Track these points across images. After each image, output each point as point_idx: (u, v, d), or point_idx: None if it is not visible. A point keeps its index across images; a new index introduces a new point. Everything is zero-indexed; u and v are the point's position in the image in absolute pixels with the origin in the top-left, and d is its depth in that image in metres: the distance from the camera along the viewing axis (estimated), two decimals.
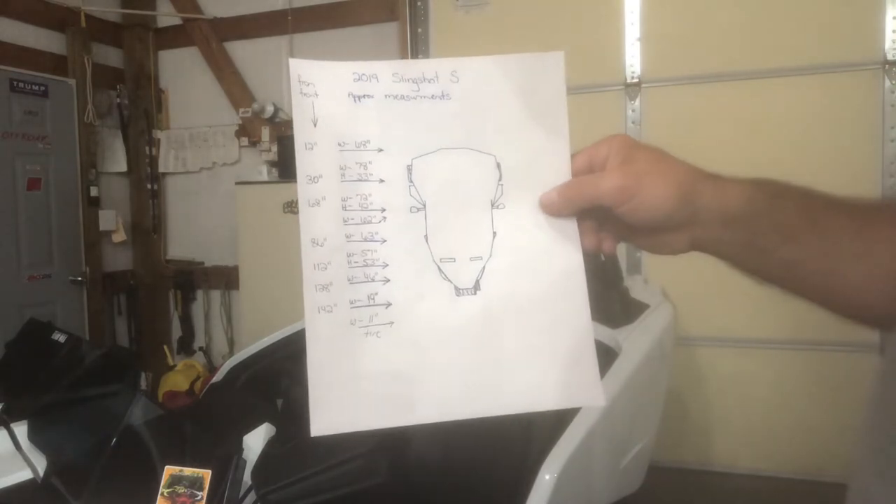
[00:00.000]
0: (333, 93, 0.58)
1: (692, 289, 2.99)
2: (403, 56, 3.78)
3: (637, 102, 3.43)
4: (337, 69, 0.58)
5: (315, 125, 0.57)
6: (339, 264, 0.56)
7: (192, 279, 4.58)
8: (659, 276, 2.89)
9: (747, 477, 3.30)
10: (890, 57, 3.05)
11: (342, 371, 0.55)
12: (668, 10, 3.36)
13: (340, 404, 0.54)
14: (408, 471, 1.24)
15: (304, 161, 0.56)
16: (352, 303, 0.56)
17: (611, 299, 2.02)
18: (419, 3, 3.78)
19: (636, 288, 2.38)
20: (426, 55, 3.77)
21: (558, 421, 1.32)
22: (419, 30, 3.78)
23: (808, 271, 0.55)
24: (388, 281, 0.57)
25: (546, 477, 1.16)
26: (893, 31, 3.04)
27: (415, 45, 3.79)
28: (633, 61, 3.42)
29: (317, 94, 0.57)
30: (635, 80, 3.42)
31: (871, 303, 0.52)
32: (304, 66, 0.58)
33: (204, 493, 1.04)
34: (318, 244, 0.55)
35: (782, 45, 3.17)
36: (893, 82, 3.05)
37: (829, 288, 0.55)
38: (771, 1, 3.19)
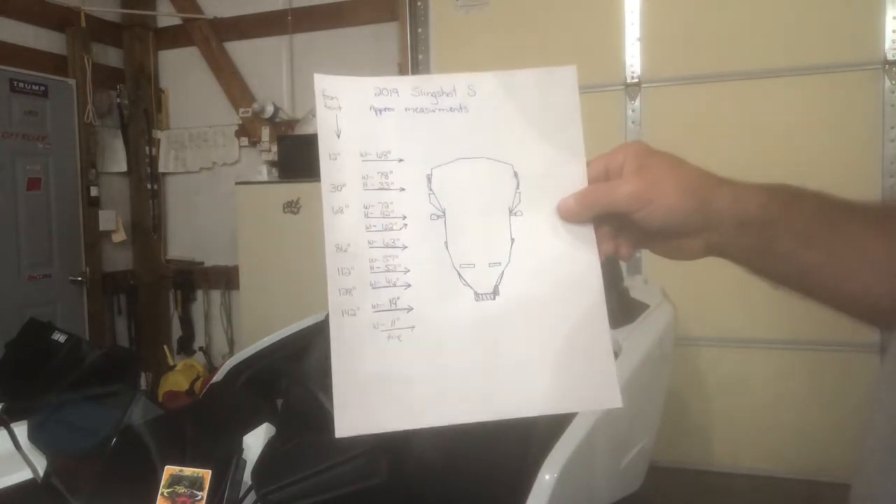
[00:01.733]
0: (356, 106, 0.60)
1: (692, 289, 2.99)
2: (403, 56, 3.79)
3: (637, 102, 3.43)
4: (359, 83, 0.60)
5: (338, 136, 0.59)
6: (362, 269, 0.57)
7: (192, 279, 4.58)
8: (659, 276, 2.89)
9: (747, 477, 3.30)
10: (890, 57, 3.05)
11: (365, 373, 0.56)
12: (668, 10, 3.36)
13: (364, 406, 0.56)
14: (408, 471, 1.24)
15: (329, 170, 0.58)
16: (374, 307, 0.57)
17: (611, 299, 2.02)
18: (419, 3, 3.78)
19: (636, 288, 2.38)
20: (426, 55, 3.77)
21: (558, 421, 1.32)
22: (419, 30, 3.78)
23: (823, 275, 0.55)
24: (410, 286, 0.58)
25: (546, 477, 1.16)
26: (893, 31, 3.04)
27: (415, 45, 3.79)
28: (633, 61, 3.42)
29: (340, 108, 0.60)
30: (635, 80, 3.42)
31: (885, 306, 0.53)
32: (328, 81, 0.60)
33: (204, 493, 1.04)
34: (341, 249, 0.57)
35: (782, 45, 3.17)
36: (893, 82, 3.05)
37: (844, 291, 0.55)
38: (771, 1, 3.20)
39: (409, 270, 0.58)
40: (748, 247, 0.56)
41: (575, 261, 0.60)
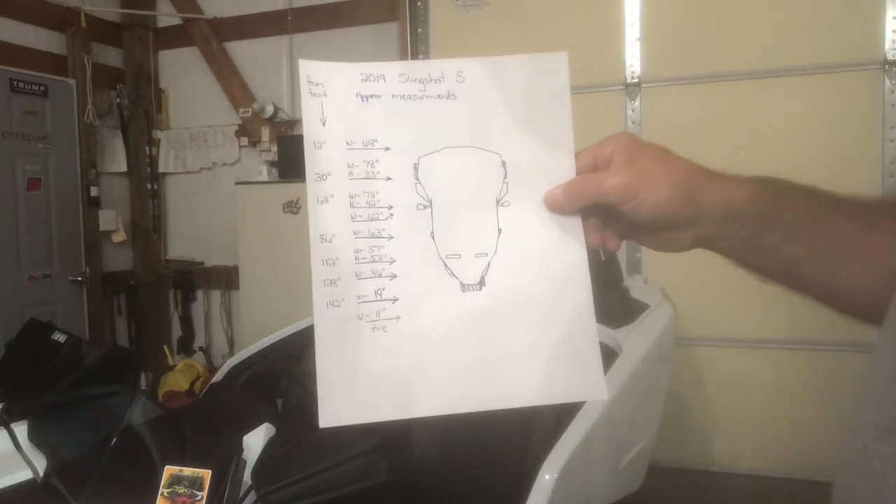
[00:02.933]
0: (342, 93, 0.59)
1: (692, 289, 2.99)
2: (403, 56, 3.78)
3: (637, 102, 3.43)
4: (345, 70, 0.59)
5: (324, 124, 0.58)
6: (347, 260, 0.57)
7: (192, 279, 4.59)
8: (659, 276, 2.89)
9: (747, 477, 3.30)
10: (890, 57, 3.05)
11: (350, 364, 0.56)
12: (668, 10, 3.36)
13: (348, 397, 0.55)
14: (408, 471, 1.24)
15: (313, 159, 0.57)
16: (359, 298, 0.57)
17: (611, 299, 2.02)
18: (419, 3, 3.78)
19: (636, 288, 2.38)
20: (426, 55, 3.77)
21: (558, 421, 1.32)
22: (419, 30, 3.78)
23: (810, 269, 0.55)
24: (395, 277, 0.57)
25: (546, 477, 1.16)
26: (893, 31, 3.04)
27: (415, 45, 3.79)
28: (633, 61, 3.42)
29: (325, 94, 0.58)
30: (635, 80, 3.43)
31: (872, 301, 0.52)
32: (313, 67, 0.59)
33: (204, 493, 1.04)
34: (326, 240, 0.56)
35: (782, 45, 3.17)
36: (893, 82, 3.05)
37: (832, 286, 0.55)
38: (771, 1, 3.20)
39: (394, 261, 0.58)
40: (737, 239, 0.56)
41: (562, 252, 0.60)
